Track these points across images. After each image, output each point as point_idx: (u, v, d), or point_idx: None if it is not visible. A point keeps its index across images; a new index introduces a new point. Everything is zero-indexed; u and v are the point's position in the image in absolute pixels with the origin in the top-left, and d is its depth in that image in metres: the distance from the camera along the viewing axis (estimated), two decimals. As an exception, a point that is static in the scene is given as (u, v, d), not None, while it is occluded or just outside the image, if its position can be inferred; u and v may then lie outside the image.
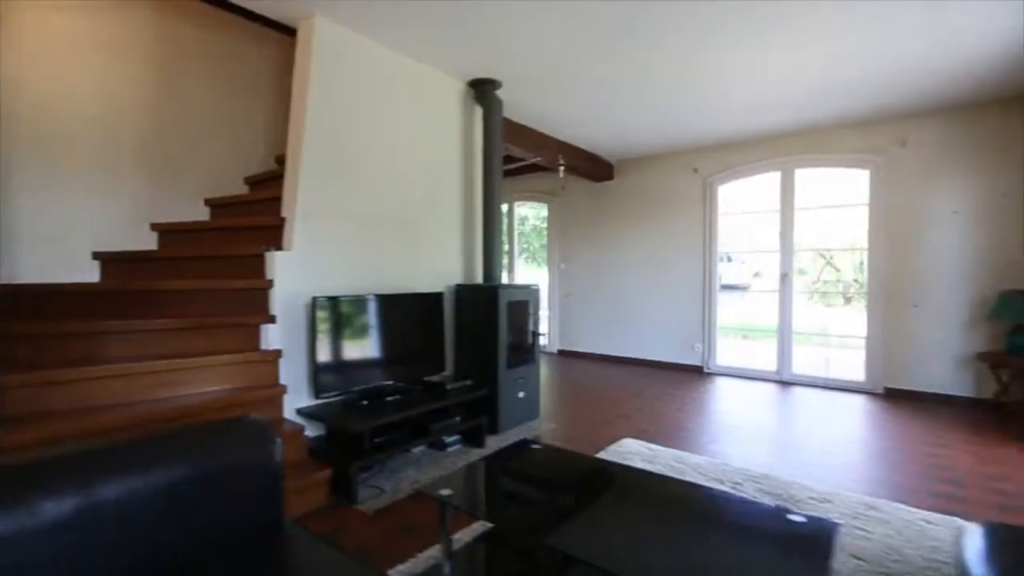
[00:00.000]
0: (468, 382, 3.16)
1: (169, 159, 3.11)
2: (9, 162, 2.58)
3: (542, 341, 6.16)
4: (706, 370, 5.51)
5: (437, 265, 3.46)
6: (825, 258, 5.68)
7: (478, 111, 3.74)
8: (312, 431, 2.64)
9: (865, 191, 4.64)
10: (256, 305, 2.54)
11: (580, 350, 6.36)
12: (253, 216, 3.00)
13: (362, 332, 2.80)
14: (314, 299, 2.53)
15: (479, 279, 3.77)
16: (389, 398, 2.77)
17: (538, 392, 3.69)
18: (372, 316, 2.86)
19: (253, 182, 3.44)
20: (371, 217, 3.00)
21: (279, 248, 2.60)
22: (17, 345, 2.03)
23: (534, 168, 6.13)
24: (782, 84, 3.66)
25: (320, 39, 2.71)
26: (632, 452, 2.93)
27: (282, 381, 2.53)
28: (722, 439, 3.30)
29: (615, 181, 6.21)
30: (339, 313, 2.65)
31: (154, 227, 2.98)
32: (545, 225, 7.03)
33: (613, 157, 6.04)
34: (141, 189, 2.98)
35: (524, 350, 3.56)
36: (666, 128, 4.78)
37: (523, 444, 1.96)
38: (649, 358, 5.90)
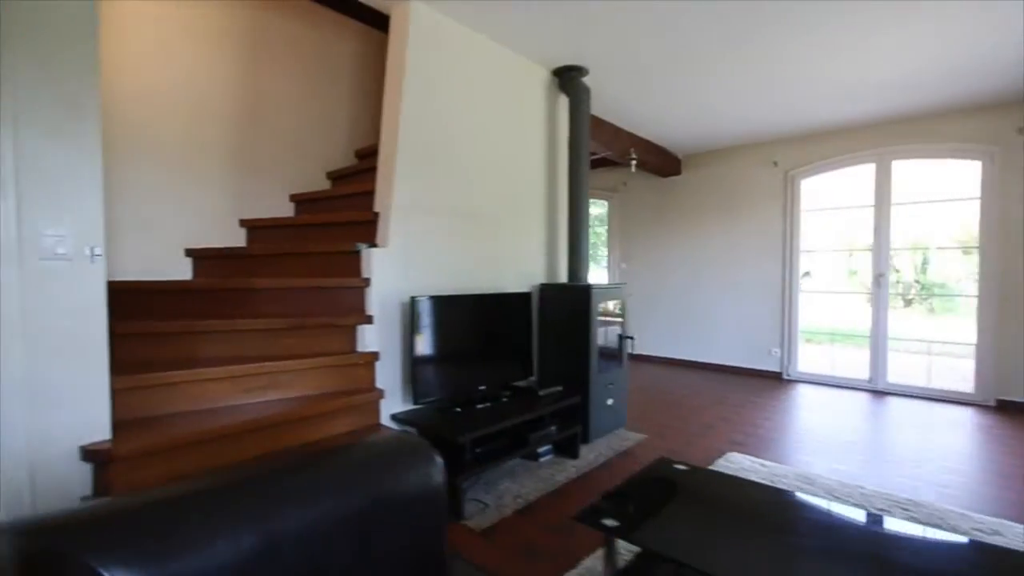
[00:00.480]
0: (559, 388, 2.97)
1: (255, 153, 3.02)
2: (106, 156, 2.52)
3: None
4: (785, 376, 5.16)
5: (521, 263, 3.28)
6: (923, 255, 5.23)
7: (562, 101, 3.54)
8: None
9: (973, 183, 4.23)
10: (351, 304, 2.41)
11: (643, 353, 6.09)
12: (338, 212, 2.89)
13: (457, 334, 2.64)
14: (413, 299, 2.38)
15: (561, 278, 3.58)
16: (479, 405, 2.60)
17: (626, 399, 3.47)
18: (466, 317, 2.70)
19: (335, 177, 3.34)
20: (462, 212, 2.84)
21: (373, 245, 2.46)
22: (120, 345, 1.94)
23: (596, 164, 5.89)
24: (884, 66, 3.33)
25: (416, 23, 2.56)
26: (745, 469, 2.68)
27: (378, 385, 2.40)
28: (830, 454, 3.01)
29: (683, 176, 5.92)
30: (436, 314, 2.49)
31: (243, 223, 2.89)
32: (604, 224, 6.78)
33: (681, 151, 5.74)
34: (228, 184, 2.90)
35: (612, 354, 3.34)
36: (747, 117, 4.48)
37: (664, 464, 1.75)
38: (720, 362, 5.59)
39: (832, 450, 3.09)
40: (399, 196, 2.50)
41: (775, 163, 5.21)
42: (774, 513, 1.47)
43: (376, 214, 2.53)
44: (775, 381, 5.09)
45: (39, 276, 1.50)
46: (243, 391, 2.05)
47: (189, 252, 2.68)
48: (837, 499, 2.30)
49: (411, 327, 2.39)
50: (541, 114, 3.42)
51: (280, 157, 3.14)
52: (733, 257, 5.53)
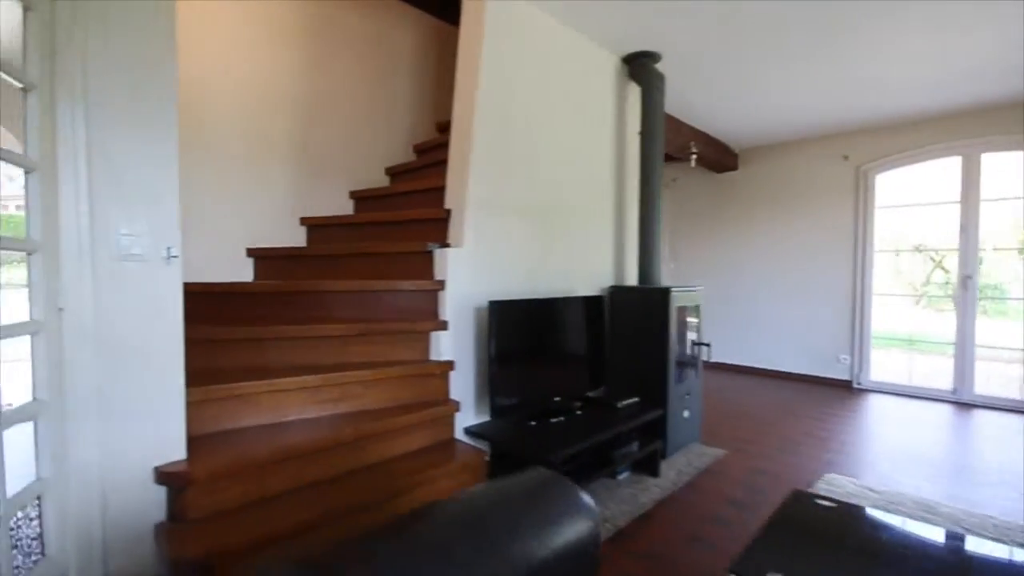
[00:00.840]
0: (635, 400, 2.75)
1: (315, 149, 2.88)
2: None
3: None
4: (856, 385, 4.82)
5: (590, 264, 3.07)
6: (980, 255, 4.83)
7: (631, 90, 3.31)
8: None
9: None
10: (422, 309, 2.24)
11: (695, 358, 5.80)
12: (401, 209, 2.72)
13: (532, 341, 2.44)
14: (491, 303, 2.19)
15: (628, 280, 3.35)
16: (554, 419, 2.40)
17: (700, 412, 3.22)
18: (541, 323, 2.50)
19: (394, 173, 3.18)
20: (534, 209, 2.64)
21: (444, 244, 2.28)
22: (190, 352, 1.80)
23: (648, 159, 5.62)
24: (978, 49, 2.99)
25: (490, 8, 2.37)
26: (851, 493, 2.41)
27: (452, 396, 2.22)
28: (939, 476, 2.71)
29: (739, 171, 5.61)
30: (511, 319, 2.30)
31: (303, 221, 2.75)
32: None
33: (739, 145, 5.44)
34: (288, 180, 2.76)
35: (685, 362, 3.10)
36: (817, 107, 4.16)
37: (803, 500, 1.51)
38: (781, 369, 5.27)
39: (939, 471, 2.79)
40: (474, 192, 2.31)
41: (845, 157, 4.87)
42: (960, 563, 1.23)
43: (447, 211, 2.35)
44: (844, 390, 4.75)
45: (112, 277, 1.36)
46: (316, 403, 1.89)
47: (251, 252, 2.55)
48: (985, 536, 2.02)
49: (489, 333, 2.20)
50: (610, 105, 3.19)
51: (340, 152, 2.99)
52: (793, 256, 5.20)
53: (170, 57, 1.44)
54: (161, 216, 1.45)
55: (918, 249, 4.82)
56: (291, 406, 1.84)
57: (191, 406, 1.59)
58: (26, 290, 1.25)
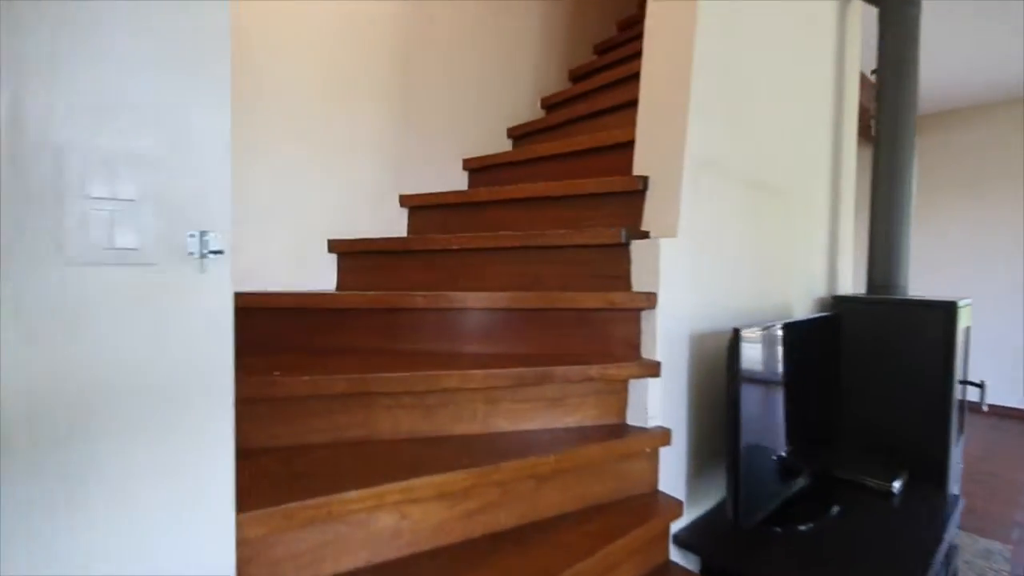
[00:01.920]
0: (902, 477, 1.76)
1: (416, 103, 2.06)
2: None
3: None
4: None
5: (807, 264, 2.11)
6: None
7: (853, 8, 2.31)
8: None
9: None
10: (613, 340, 1.36)
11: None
12: (528, 182, 1.83)
13: (773, 393, 1.52)
14: (736, 332, 1.27)
15: (843, 288, 2.37)
16: (802, 526, 1.46)
17: (960, 475, 2.19)
18: (794, 360, 1.57)
19: (518, 135, 2.32)
20: (755, 185, 1.70)
21: (640, 234, 1.39)
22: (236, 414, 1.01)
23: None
24: None
25: None
26: None
27: (662, 486, 1.34)
28: None
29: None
30: (746, 356, 1.38)
31: (404, 201, 1.94)
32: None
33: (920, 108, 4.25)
34: (384, 147, 1.95)
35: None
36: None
37: None
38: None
39: None
40: (693, 151, 1.40)
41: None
42: None
43: (642, 181, 1.45)
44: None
45: (63, 304, 0.56)
46: (460, 517, 1.05)
47: (333, 246, 1.76)
48: None
49: (730, 380, 1.29)
50: (828, 33, 2.20)
51: (447, 109, 2.15)
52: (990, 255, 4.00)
53: None
54: (190, 174, 0.64)
55: None
56: (423, 521, 1.01)
57: (244, 547, 0.79)
58: None
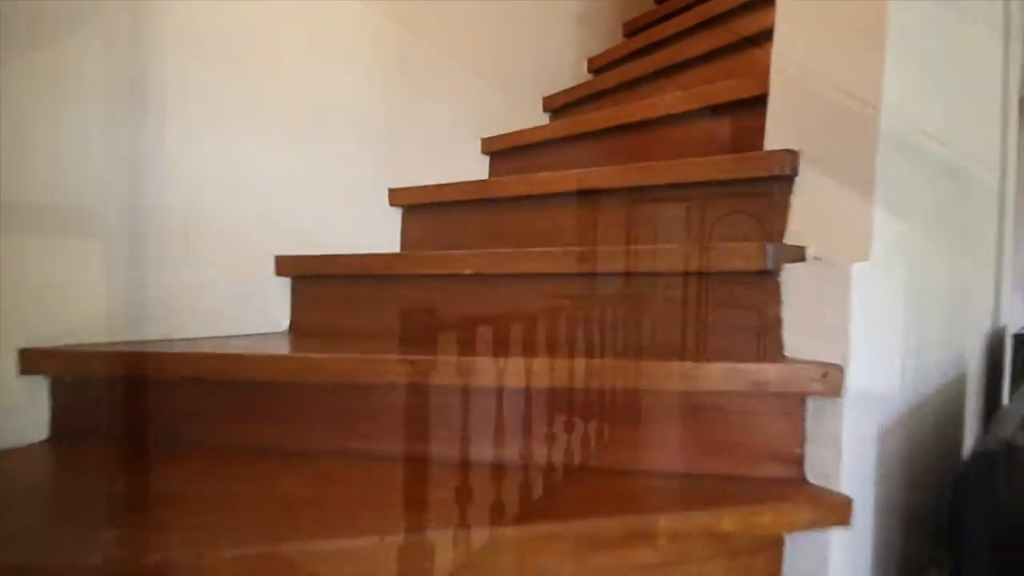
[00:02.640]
0: None
1: (420, 72, 1.46)
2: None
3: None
4: None
5: (979, 294, 1.47)
6: None
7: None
8: None
9: None
10: (743, 451, 0.75)
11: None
12: (568, 167, 1.21)
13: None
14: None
15: (1004, 318, 1.72)
16: None
17: None
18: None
19: (561, 105, 1.71)
20: (948, 167, 1.08)
21: (789, 254, 0.77)
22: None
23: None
24: None
25: None
26: None
27: None
28: None
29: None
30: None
31: (395, 198, 1.35)
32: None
33: None
34: (369, 127, 1.36)
35: None
36: None
37: None
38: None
39: None
40: (889, 108, 0.78)
41: None
42: None
43: (788, 159, 0.84)
44: None
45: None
46: None
47: (282, 266, 1.17)
48: None
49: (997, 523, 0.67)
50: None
51: (465, 72, 1.55)
52: None
53: None
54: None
55: None
56: None
57: None
58: None
